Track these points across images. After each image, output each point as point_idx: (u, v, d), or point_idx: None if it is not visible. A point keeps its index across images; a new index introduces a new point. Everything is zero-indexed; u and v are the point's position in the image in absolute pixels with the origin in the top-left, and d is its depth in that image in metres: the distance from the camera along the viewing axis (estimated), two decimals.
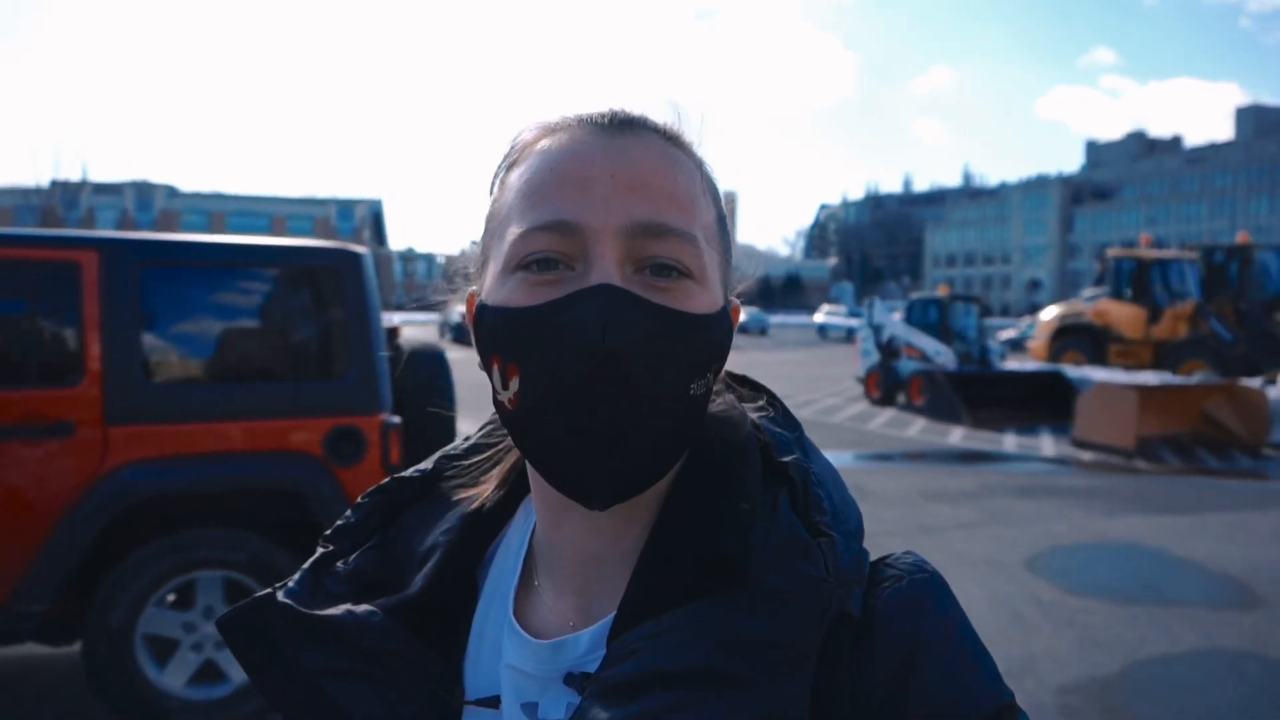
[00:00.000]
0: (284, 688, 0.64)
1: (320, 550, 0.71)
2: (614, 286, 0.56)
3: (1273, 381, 11.66)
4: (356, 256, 3.68)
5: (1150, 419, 10.48)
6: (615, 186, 0.58)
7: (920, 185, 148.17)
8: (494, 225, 0.63)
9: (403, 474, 0.74)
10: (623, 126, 0.61)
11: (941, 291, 16.28)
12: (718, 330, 0.61)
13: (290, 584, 0.68)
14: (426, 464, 0.74)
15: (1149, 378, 13.18)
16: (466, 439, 0.75)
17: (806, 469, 0.61)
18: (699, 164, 0.64)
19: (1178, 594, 5.52)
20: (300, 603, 0.66)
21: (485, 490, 0.72)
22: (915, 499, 8.12)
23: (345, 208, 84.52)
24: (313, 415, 3.55)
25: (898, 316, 15.74)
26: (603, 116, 0.62)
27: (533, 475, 0.64)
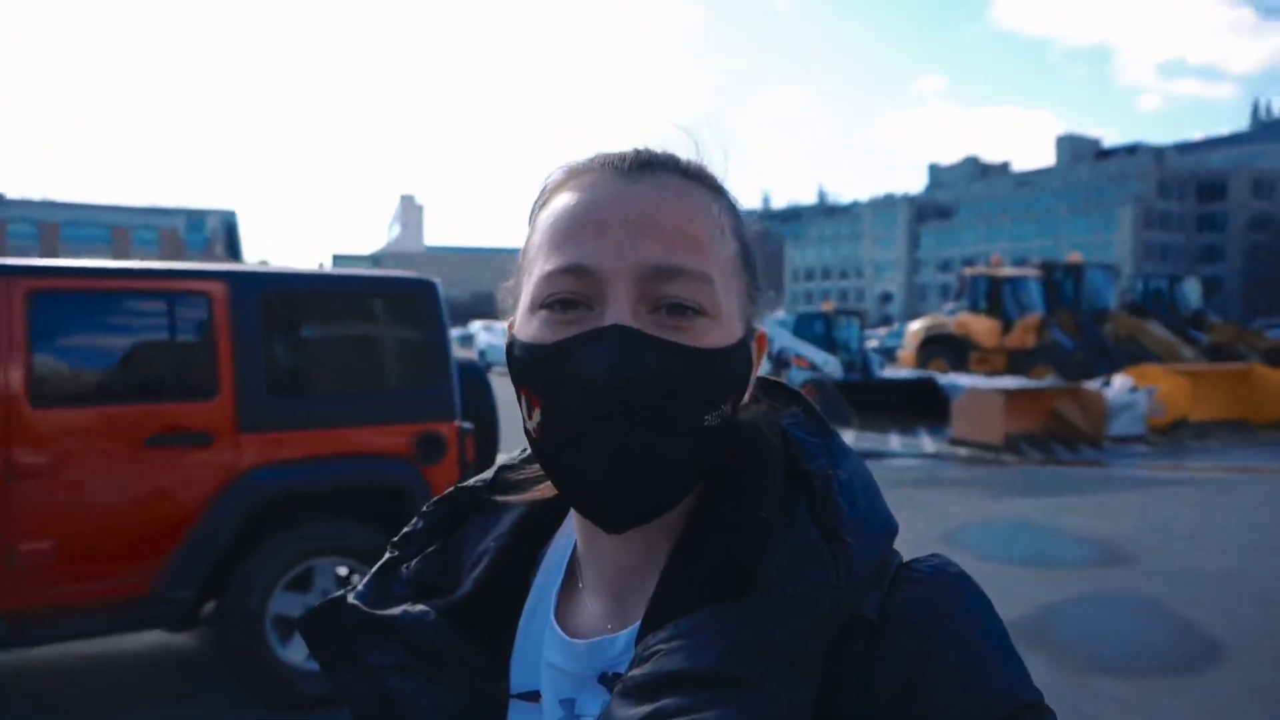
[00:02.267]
0: (352, 681, 0.69)
1: (387, 555, 0.76)
2: (623, 326, 0.59)
3: (1108, 384, 13.56)
4: (433, 285, 4.30)
5: (1013, 418, 12.06)
6: (628, 230, 0.61)
7: (778, 203, 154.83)
8: (525, 262, 0.67)
9: (465, 483, 0.79)
10: (641, 169, 0.64)
11: (825, 307, 17.76)
12: (734, 363, 0.63)
13: (359, 587, 0.74)
14: (487, 474, 0.79)
15: (1007, 382, 14.96)
16: (524, 450, 0.77)
17: (829, 476, 0.62)
18: (720, 198, 0.67)
19: (1063, 557, 6.77)
20: (367, 604, 0.71)
21: (537, 498, 0.75)
22: None
23: (195, 219, 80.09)
24: (404, 422, 4.15)
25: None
26: (622, 160, 0.65)
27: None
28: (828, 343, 16.52)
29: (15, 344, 3.46)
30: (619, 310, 0.60)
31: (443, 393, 4.25)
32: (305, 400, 4.07)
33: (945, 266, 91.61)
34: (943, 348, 19.81)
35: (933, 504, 8.60)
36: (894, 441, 12.95)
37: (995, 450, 11.70)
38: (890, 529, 0.64)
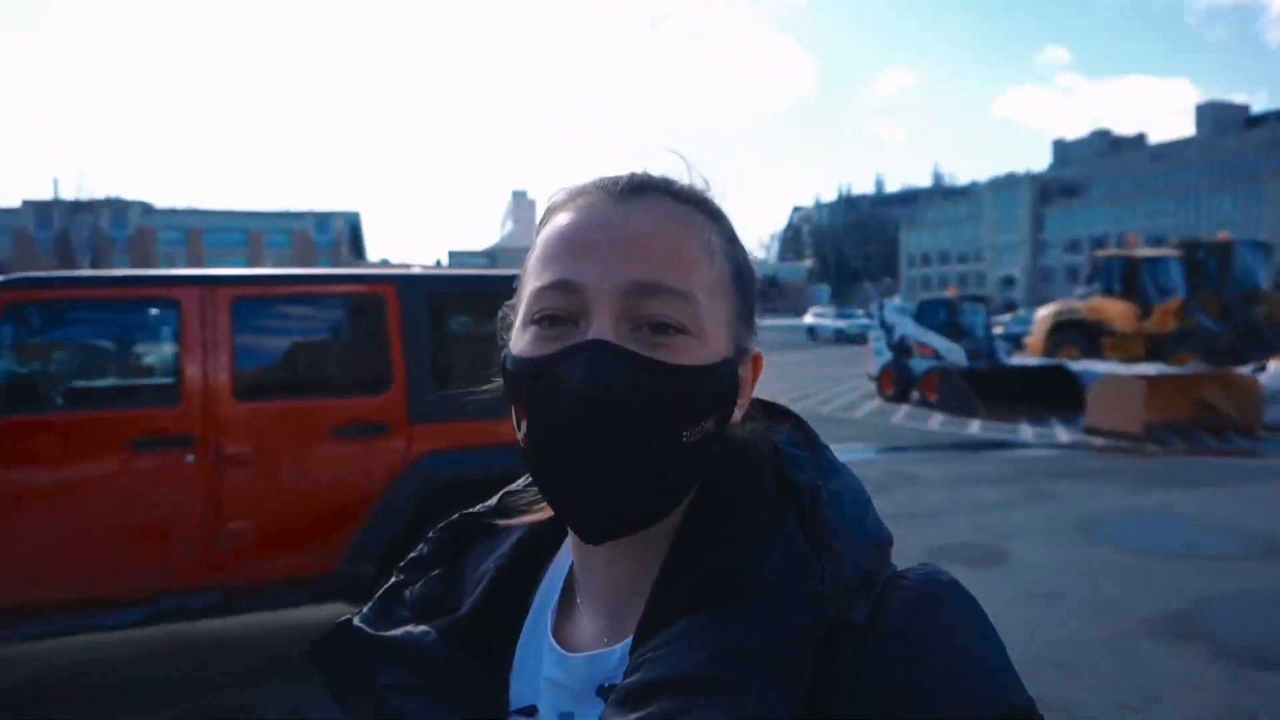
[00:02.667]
0: (360, 702, 0.71)
1: (393, 579, 0.78)
2: (602, 341, 0.61)
3: (1262, 368, 12.78)
4: None
5: (1155, 406, 11.52)
6: (614, 249, 0.63)
7: (892, 186, 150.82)
8: (524, 278, 0.69)
9: (471, 510, 0.81)
10: (634, 192, 0.66)
11: (949, 292, 17.34)
12: (716, 381, 0.64)
13: (365, 610, 0.75)
14: (491, 501, 0.81)
15: (1147, 369, 14.28)
16: (526, 477, 0.79)
17: (818, 487, 0.64)
18: (714, 222, 0.69)
19: (1216, 550, 6.50)
20: (371, 626, 0.73)
21: (538, 519, 0.77)
22: (959, 483, 9.06)
23: (322, 220, 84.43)
24: None
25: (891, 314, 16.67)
26: (615, 182, 0.67)
27: None
28: (952, 330, 16.13)
29: (221, 345, 3.89)
30: (600, 326, 0.62)
31: None
32: (473, 393, 4.37)
33: (1073, 248, 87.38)
34: (1074, 334, 19.03)
35: (1068, 495, 8.37)
36: (1025, 431, 12.59)
37: (1135, 440, 11.22)
38: (881, 538, 0.65)
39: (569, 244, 0.65)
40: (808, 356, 30.86)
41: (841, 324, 44.14)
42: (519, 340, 0.66)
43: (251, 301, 4.04)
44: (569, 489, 0.63)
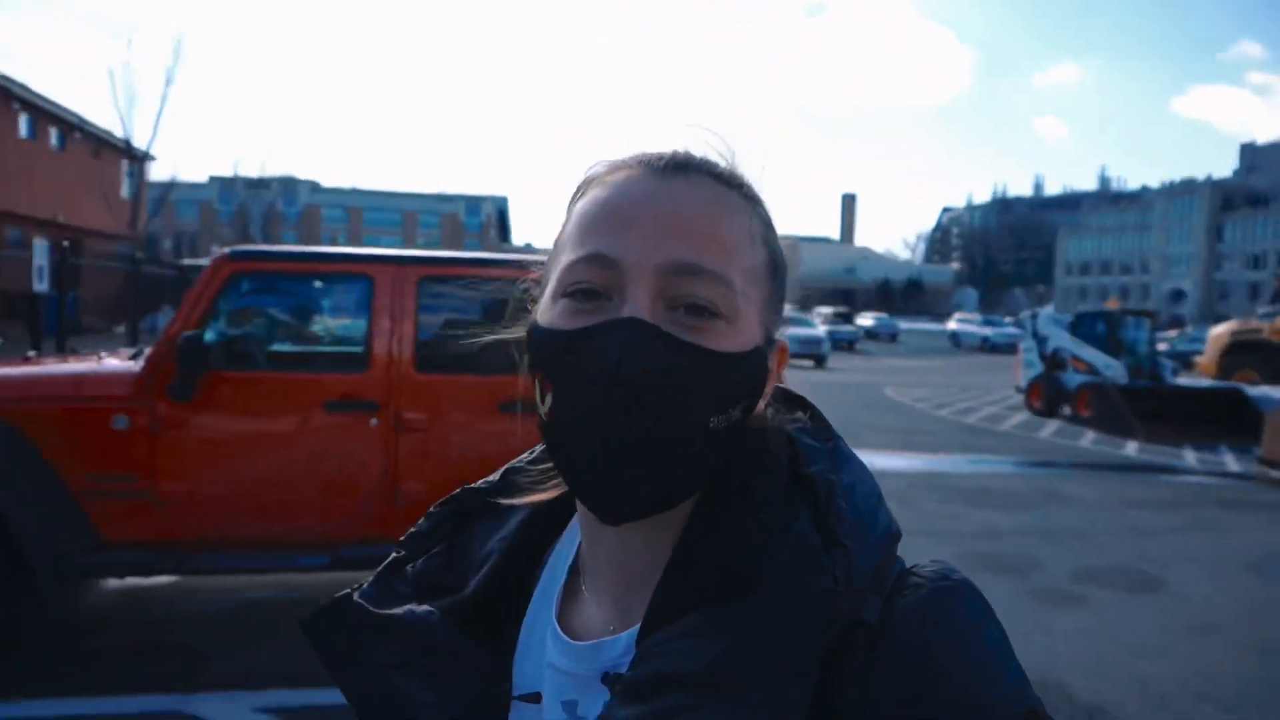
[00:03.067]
0: (357, 680, 0.69)
1: (394, 555, 0.77)
2: (639, 319, 0.59)
3: None
4: None
5: None
6: (656, 226, 0.62)
7: (1052, 188, 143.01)
8: (555, 251, 0.68)
9: (473, 485, 0.79)
10: (677, 169, 0.65)
11: (1110, 304, 16.38)
12: (747, 369, 0.63)
13: (364, 586, 0.74)
14: (494, 476, 0.79)
15: None
16: (531, 452, 0.79)
17: (831, 480, 0.63)
18: (753, 208, 0.67)
19: None
20: (371, 603, 0.71)
21: (542, 500, 0.76)
22: (1113, 505, 8.61)
23: (473, 204, 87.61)
24: None
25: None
26: (659, 159, 0.66)
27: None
28: (1111, 344, 15.25)
29: (408, 319, 4.23)
30: (637, 304, 0.60)
31: None
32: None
33: (1256, 263, 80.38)
34: (1254, 356, 17.62)
35: (1237, 528, 7.83)
36: (1188, 457, 11.80)
37: None
38: (892, 534, 0.64)
39: (609, 217, 0.63)
40: (950, 364, 29.81)
41: (988, 331, 42.43)
42: (548, 312, 0.65)
43: (434, 280, 4.36)
44: (592, 466, 0.61)
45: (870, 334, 44.35)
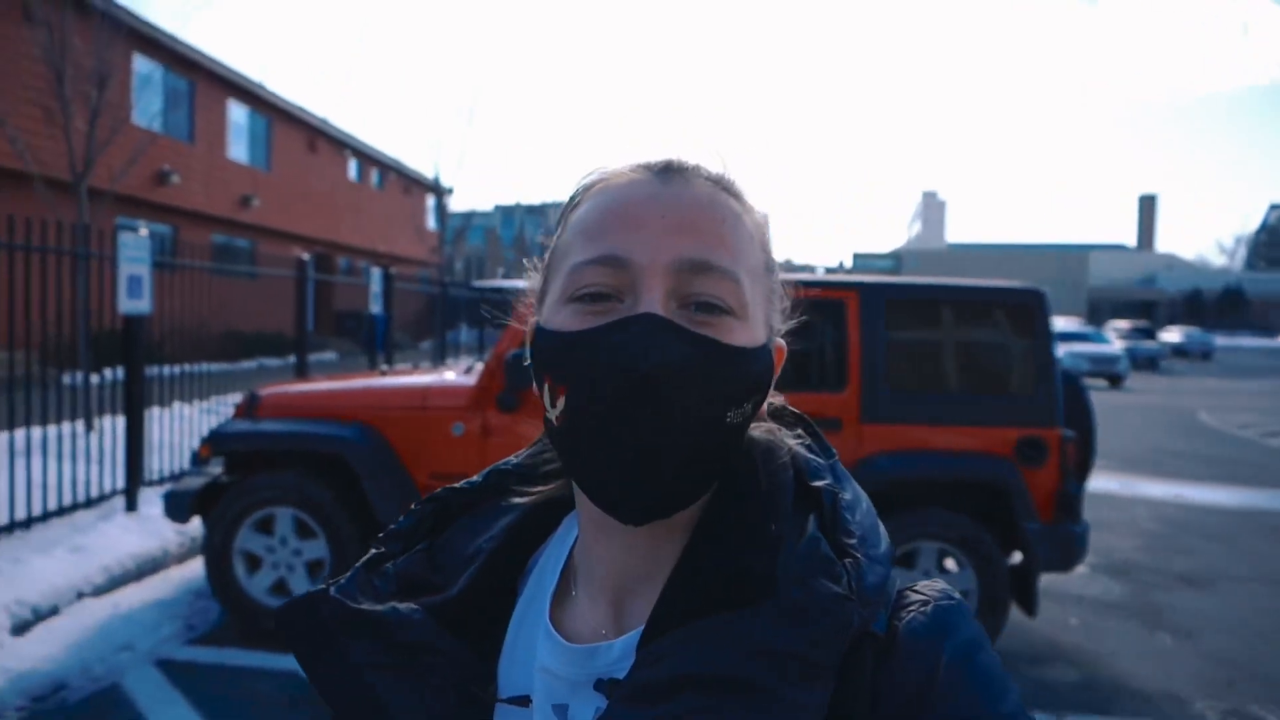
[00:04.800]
0: (332, 677, 0.67)
1: (373, 550, 0.75)
2: (655, 315, 0.60)
3: None
4: (1042, 294, 4.46)
5: None
6: (665, 226, 0.62)
7: None
8: (554, 260, 0.68)
9: (455, 485, 0.78)
10: (675, 172, 0.66)
11: None
12: (757, 364, 0.64)
13: (342, 580, 0.71)
14: (477, 477, 0.79)
15: None
16: (517, 455, 0.79)
17: (836, 494, 0.64)
18: (747, 210, 0.68)
19: None
20: (349, 598, 0.69)
21: (529, 503, 0.75)
22: None
23: None
24: (1007, 425, 4.38)
25: None
26: (656, 163, 0.67)
27: (577, 491, 0.68)
28: None
29: None
30: (651, 301, 0.61)
31: (1046, 399, 4.37)
32: (920, 397, 4.52)
33: None
34: None
35: None
36: None
37: None
38: (890, 552, 0.64)
39: (616, 220, 0.64)
40: None
41: None
42: (554, 316, 0.65)
43: None
44: (614, 466, 0.60)
45: (1178, 351, 39.77)
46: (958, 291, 4.59)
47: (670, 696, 0.55)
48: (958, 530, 4.31)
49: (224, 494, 4.65)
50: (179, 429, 7.46)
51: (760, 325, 0.66)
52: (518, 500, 0.76)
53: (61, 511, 5.94)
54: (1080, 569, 5.20)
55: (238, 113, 22.05)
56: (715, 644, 0.57)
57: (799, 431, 0.71)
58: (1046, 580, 5.19)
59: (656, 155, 0.68)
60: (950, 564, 4.47)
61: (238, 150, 22.15)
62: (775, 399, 0.74)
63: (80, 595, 4.90)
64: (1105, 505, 8.14)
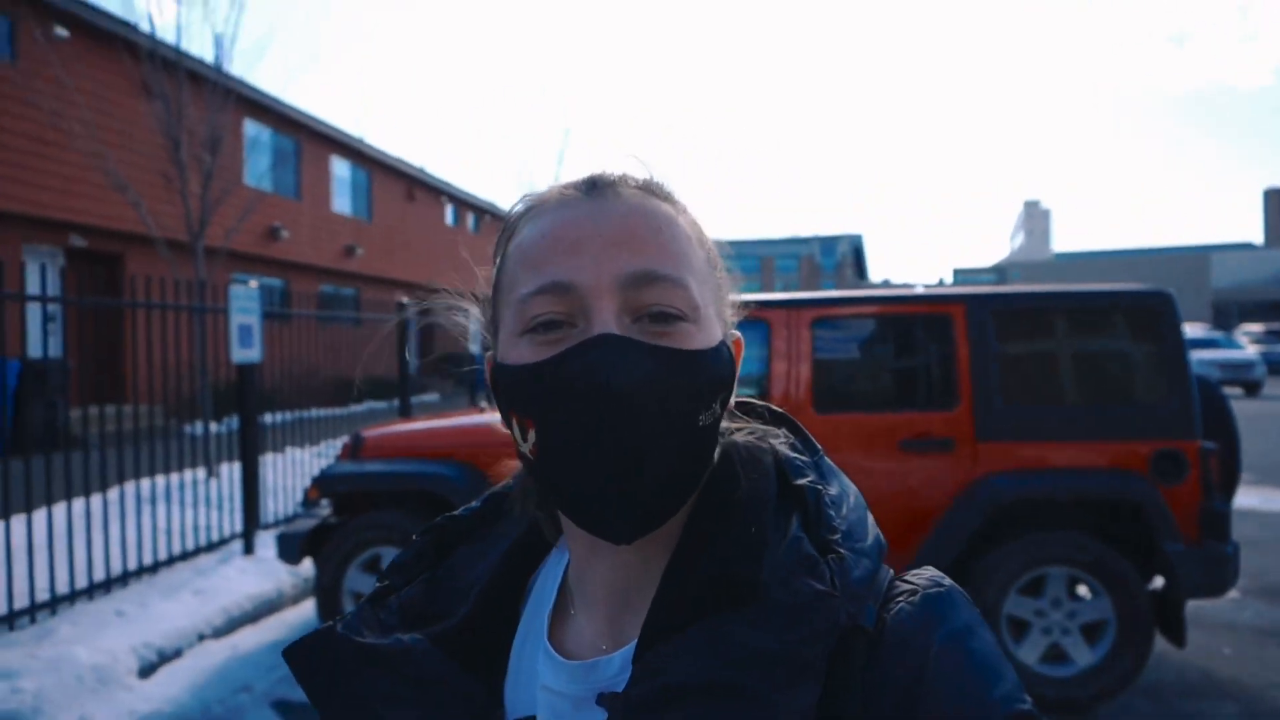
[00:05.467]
0: (343, 713, 0.67)
1: (377, 585, 0.76)
2: (613, 335, 0.60)
3: None
4: (1170, 297, 4.13)
5: None
6: (604, 243, 0.62)
7: None
8: (500, 294, 0.68)
9: (453, 513, 0.79)
10: (602, 188, 0.66)
11: None
12: (718, 363, 0.64)
13: (348, 617, 0.72)
14: (475, 503, 0.80)
15: None
16: (511, 479, 0.79)
17: (819, 491, 0.64)
18: (680, 210, 0.68)
19: None
20: (355, 634, 0.70)
21: (525, 528, 0.76)
22: None
23: (828, 244, 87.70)
24: (1140, 438, 4.05)
25: None
26: (580, 183, 0.67)
27: (563, 516, 0.68)
28: None
29: (803, 361, 4.32)
30: (604, 321, 0.61)
31: (1182, 409, 4.03)
32: (1039, 412, 4.24)
33: None
34: None
35: None
36: None
37: None
38: (880, 544, 0.64)
39: (554, 245, 0.63)
40: None
41: None
42: (510, 351, 0.64)
43: (828, 322, 4.41)
44: (595, 488, 0.60)
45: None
46: (1074, 298, 4.30)
47: (664, 707, 0.56)
48: (1090, 553, 4.00)
49: (332, 535, 4.74)
50: (293, 473, 7.70)
51: (714, 323, 0.66)
52: (514, 525, 0.77)
53: (185, 556, 6.18)
54: (1231, 594, 4.77)
55: (340, 167, 23.07)
56: (703, 651, 0.57)
57: (782, 431, 0.71)
58: (1192, 607, 4.78)
59: (578, 175, 0.69)
60: (1082, 590, 4.16)
61: (341, 203, 23.14)
62: (755, 400, 0.75)
63: (201, 637, 5.05)
64: (1250, 522, 7.53)
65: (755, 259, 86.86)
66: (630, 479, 0.60)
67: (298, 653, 0.70)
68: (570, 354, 0.61)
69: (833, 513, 0.63)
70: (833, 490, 0.65)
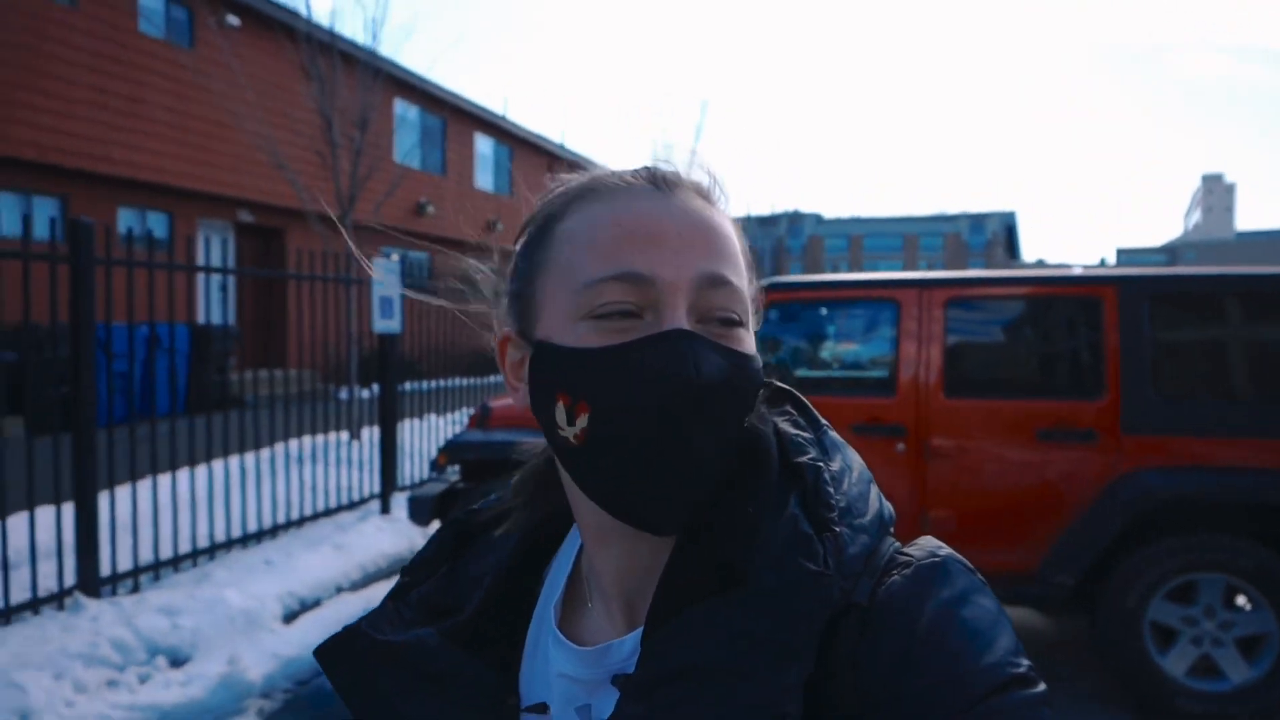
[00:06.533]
0: (367, 707, 0.71)
1: (399, 581, 0.78)
2: (691, 331, 0.61)
3: None
4: None
5: None
6: (681, 242, 0.62)
7: None
8: (542, 272, 0.66)
9: (473, 507, 0.80)
10: (671, 184, 0.66)
11: None
12: (761, 369, 0.66)
13: (371, 613, 0.75)
14: (493, 495, 0.80)
15: None
16: (524, 469, 0.80)
17: (819, 468, 0.63)
18: (728, 216, 0.69)
19: None
20: (377, 630, 0.72)
21: (540, 518, 0.76)
22: None
23: (976, 222, 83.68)
24: None
25: None
26: (648, 175, 0.66)
27: (580, 505, 0.67)
28: None
29: (935, 343, 4.13)
30: (679, 318, 0.61)
31: None
32: (1198, 405, 3.89)
33: None
34: None
35: None
36: None
37: None
38: (884, 517, 0.65)
39: (631, 234, 0.63)
40: None
41: None
42: (565, 333, 0.63)
43: (963, 302, 4.19)
44: (648, 478, 0.60)
45: None
46: (1243, 282, 3.90)
47: (660, 689, 0.57)
48: (1252, 560, 3.65)
49: (459, 499, 4.91)
50: (430, 438, 8.05)
51: (753, 329, 0.68)
52: (528, 517, 0.77)
53: (328, 512, 6.58)
54: None
55: (483, 144, 23.76)
56: (698, 634, 0.58)
57: (786, 408, 0.72)
58: None
59: (639, 166, 0.68)
60: (1241, 600, 3.81)
61: (483, 179, 23.86)
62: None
63: (339, 589, 5.37)
64: None
65: (899, 237, 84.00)
66: (693, 471, 0.61)
67: (327, 650, 0.74)
68: (648, 342, 0.61)
69: (831, 489, 0.63)
70: (834, 466, 0.65)
